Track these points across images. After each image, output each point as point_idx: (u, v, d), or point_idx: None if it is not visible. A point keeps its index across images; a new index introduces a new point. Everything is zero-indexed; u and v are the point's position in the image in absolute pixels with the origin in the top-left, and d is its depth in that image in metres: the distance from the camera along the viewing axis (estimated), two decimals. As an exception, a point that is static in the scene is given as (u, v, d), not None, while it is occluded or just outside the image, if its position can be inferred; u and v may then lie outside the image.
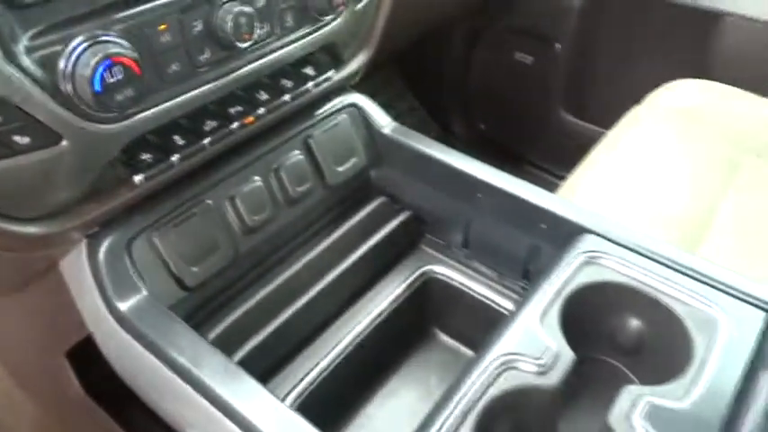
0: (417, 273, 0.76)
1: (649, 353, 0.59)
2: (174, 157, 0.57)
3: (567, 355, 0.52)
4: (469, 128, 1.75)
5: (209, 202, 0.61)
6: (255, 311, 0.65)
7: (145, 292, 0.55)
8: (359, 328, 0.70)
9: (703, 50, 1.31)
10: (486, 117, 1.72)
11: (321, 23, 0.66)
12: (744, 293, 0.56)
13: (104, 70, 0.46)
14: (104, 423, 0.76)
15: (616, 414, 0.47)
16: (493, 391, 0.49)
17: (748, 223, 0.92)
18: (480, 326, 0.70)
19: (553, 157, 1.59)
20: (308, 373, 0.65)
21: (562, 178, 1.04)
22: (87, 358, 0.73)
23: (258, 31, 0.58)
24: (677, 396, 0.48)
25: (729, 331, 0.53)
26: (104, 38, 0.47)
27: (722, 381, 0.49)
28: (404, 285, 0.75)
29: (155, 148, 0.57)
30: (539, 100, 1.60)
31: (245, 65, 0.60)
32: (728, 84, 1.18)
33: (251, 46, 0.58)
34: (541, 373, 0.50)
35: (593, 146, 1.09)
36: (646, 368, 0.60)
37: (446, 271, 0.77)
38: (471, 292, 0.75)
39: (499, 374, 0.50)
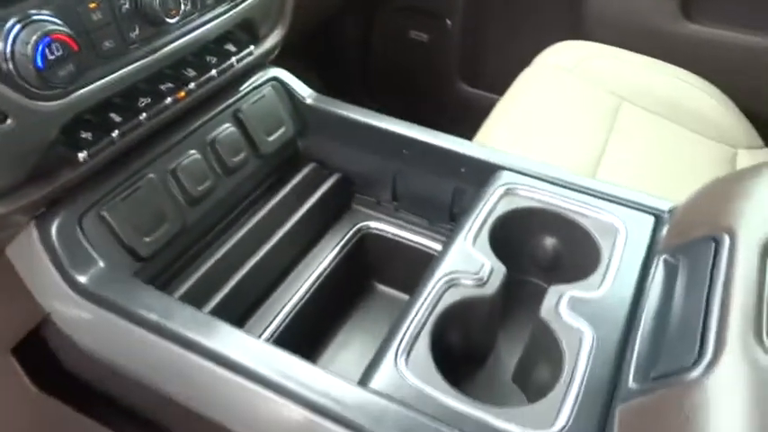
0: (353, 230, 0.82)
1: (565, 266, 0.68)
2: (114, 133, 0.59)
3: (500, 269, 0.59)
4: (373, 107, 1.82)
5: (152, 175, 0.63)
6: (206, 279, 0.68)
7: (102, 264, 0.57)
8: (301, 292, 0.75)
9: (578, 14, 1.45)
10: (388, 95, 1.80)
11: (239, 0, 0.70)
12: (635, 203, 0.66)
13: (44, 47, 0.48)
14: (63, 416, 0.75)
15: (545, 308, 0.56)
16: (441, 306, 0.55)
17: (630, 155, 1.05)
18: (416, 271, 0.77)
19: (456, 126, 1.69)
20: (260, 335, 0.69)
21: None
22: (34, 353, 0.73)
23: (183, 7, 0.61)
24: (593, 287, 0.57)
25: (627, 234, 0.63)
26: (38, 17, 0.49)
27: (626, 272, 0.59)
28: (341, 243, 0.80)
29: (94, 126, 0.58)
30: (437, 74, 1.70)
31: (173, 41, 0.63)
32: (600, 42, 1.33)
33: (178, 22, 0.61)
34: (480, 286, 0.58)
35: (489, 111, 1.19)
36: (564, 281, 0.70)
37: (379, 225, 0.83)
38: (404, 241, 0.81)
39: (445, 291, 0.57)
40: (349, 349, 0.79)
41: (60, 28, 0.49)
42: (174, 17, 0.60)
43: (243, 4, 0.71)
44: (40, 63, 0.48)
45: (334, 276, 0.79)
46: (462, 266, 0.59)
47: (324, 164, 0.84)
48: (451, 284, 0.57)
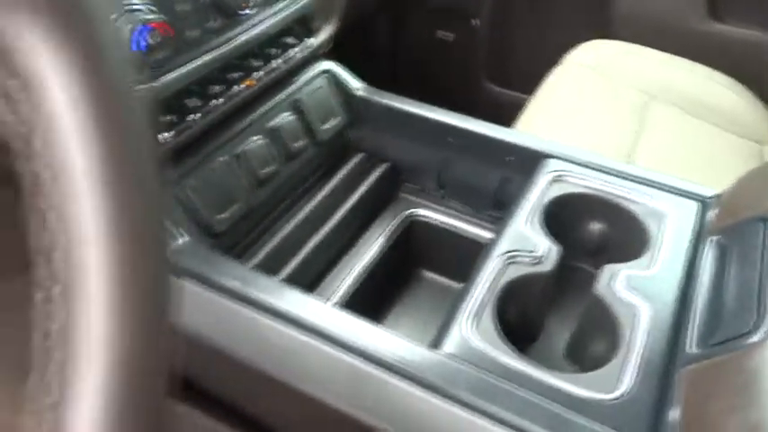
0: (400, 217, 0.85)
1: (611, 250, 0.71)
2: (191, 117, 0.62)
3: (555, 249, 0.63)
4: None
5: (222, 158, 0.67)
6: (268, 259, 0.72)
7: (181, 238, 0.61)
8: (351, 278, 0.78)
9: (606, 14, 1.48)
10: (416, 93, 1.83)
11: (301, -5, 0.74)
12: (679, 189, 0.69)
13: (146, 32, 0.52)
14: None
15: (601, 285, 0.59)
16: (503, 280, 0.59)
17: (659, 151, 1.08)
18: (462, 258, 0.80)
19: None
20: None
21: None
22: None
23: (251, 1, 0.65)
24: (644, 267, 0.61)
25: (674, 218, 0.66)
26: (137, 6, 0.53)
27: (676, 253, 0.62)
28: (389, 230, 0.84)
29: (173, 110, 0.62)
30: (463, 73, 1.74)
31: (244, 32, 0.67)
32: (628, 41, 1.36)
33: (248, 14, 0.65)
34: (538, 263, 0.61)
35: (517, 110, 1.23)
36: (610, 263, 0.73)
37: (426, 213, 0.86)
38: (451, 228, 0.84)
39: (505, 267, 0.60)
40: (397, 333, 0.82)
41: (156, 17, 0.53)
42: (245, 9, 0.64)
43: (303, 2, 0.74)
44: (143, 46, 0.51)
45: (382, 262, 0.82)
46: (520, 245, 0.62)
47: (372, 153, 0.88)
48: (511, 262, 0.61)
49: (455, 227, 0.84)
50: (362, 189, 0.84)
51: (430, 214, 0.86)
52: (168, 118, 0.61)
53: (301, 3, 0.76)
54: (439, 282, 0.88)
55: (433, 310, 0.85)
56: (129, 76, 0.21)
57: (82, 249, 0.19)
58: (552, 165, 0.73)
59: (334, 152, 0.84)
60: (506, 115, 1.26)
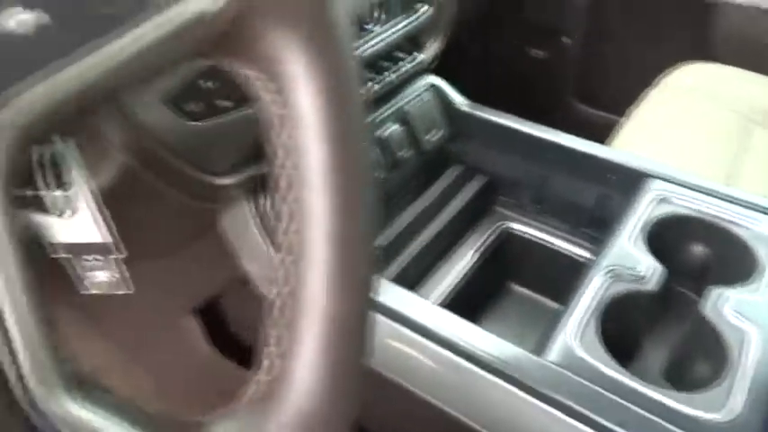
0: (495, 230, 0.87)
1: (715, 273, 0.71)
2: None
3: (659, 269, 0.63)
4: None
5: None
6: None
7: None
8: (443, 286, 0.81)
9: (703, 35, 1.45)
10: (504, 109, 1.85)
11: (417, 12, 0.78)
12: (789, 215, 0.68)
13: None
14: (231, 376, 0.85)
15: (708, 307, 0.59)
16: (608, 295, 0.60)
17: (761, 176, 1.05)
18: (555, 274, 0.81)
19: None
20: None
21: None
22: (211, 315, 0.82)
23: (376, 15, 0.70)
24: (753, 291, 0.60)
25: (784, 244, 0.65)
26: None
27: (786, 279, 0.61)
28: (482, 242, 0.86)
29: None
30: (553, 91, 1.74)
31: (365, 45, 0.71)
32: (727, 63, 1.33)
33: (370, 29, 0.70)
34: (642, 282, 0.62)
35: (606, 131, 1.22)
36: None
37: (520, 227, 0.88)
38: (545, 244, 0.86)
39: (609, 283, 0.61)
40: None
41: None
42: (369, 24, 0.68)
43: (420, 18, 0.78)
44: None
45: (475, 272, 0.84)
46: (623, 263, 0.63)
47: (471, 166, 0.90)
48: (614, 278, 0.62)
49: (550, 242, 0.85)
50: (460, 199, 0.87)
51: (525, 228, 0.87)
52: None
53: (416, 20, 0.80)
54: (529, 296, 0.89)
55: (522, 323, 0.86)
56: (359, 91, 0.25)
57: (313, 229, 0.23)
58: (656, 185, 0.73)
59: (434, 163, 0.88)
60: (595, 135, 1.25)
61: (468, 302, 0.84)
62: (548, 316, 0.84)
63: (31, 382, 0.17)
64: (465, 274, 0.82)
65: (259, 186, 0.67)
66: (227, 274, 0.70)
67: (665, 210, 0.70)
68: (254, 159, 0.64)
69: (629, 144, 1.13)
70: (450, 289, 0.79)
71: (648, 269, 0.63)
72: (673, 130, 1.17)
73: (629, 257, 0.64)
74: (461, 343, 0.56)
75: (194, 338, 0.84)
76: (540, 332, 0.76)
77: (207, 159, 0.58)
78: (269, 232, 0.64)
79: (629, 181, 0.76)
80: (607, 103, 1.66)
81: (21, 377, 0.17)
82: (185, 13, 0.18)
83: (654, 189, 0.72)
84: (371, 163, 0.25)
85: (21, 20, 0.15)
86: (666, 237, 0.69)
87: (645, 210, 0.70)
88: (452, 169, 0.89)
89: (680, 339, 0.64)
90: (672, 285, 0.73)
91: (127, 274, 0.38)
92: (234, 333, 0.82)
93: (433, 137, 0.85)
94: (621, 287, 0.61)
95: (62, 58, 0.15)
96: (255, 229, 0.65)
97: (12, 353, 0.17)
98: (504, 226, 0.88)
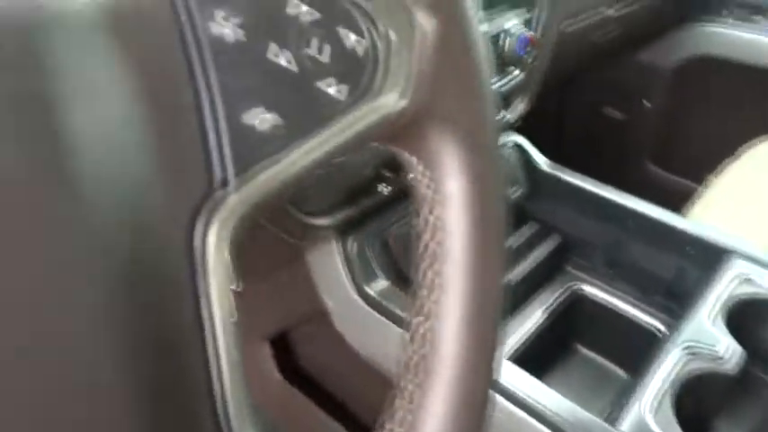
0: (566, 290, 0.88)
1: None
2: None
3: (739, 350, 0.63)
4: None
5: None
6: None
7: (382, 281, 0.69)
8: (512, 341, 0.82)
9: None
10: (577, 168, 1.85)
11: (510, 75, 0.81)
12: None
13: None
14: (300, 405, 0.88)
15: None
16: (684, 372, 0.60)
17: None
18: (625, 340, 0.81)
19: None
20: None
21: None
22: (284, 346, 0.86)
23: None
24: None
25: None
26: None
27: None
28: (552, 301, 0.87)
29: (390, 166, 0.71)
30: (628, 153, 1.73)
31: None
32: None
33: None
34: (721, 362, 0.61)
35: (681, 196, 1.21)
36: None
37: (592, 290, 0.88)
38: (616, 309, 0.85)
39: (686, 359, 0.61)
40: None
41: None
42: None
43: (511, 81, 0.82)
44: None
45: (543, 331, 0.85)
46: (701, 340, 0.63)
47: (545, 224, 0.92)
48: (692, 355, 0.61)
49: (622, 309, 0.85)
50: (533, 257, 0.88)
51: (596, 291, 0.88)
52: (385, 173, 0.69)
53: (507, 83, 0.83)
54: (597, 360, 0.88)
55: (587, 386, 0.85)
56: (503, 183, 0.28)
57: (451, 304, 0.26)
58: (738, 263, 0.73)
59: (510, 219, 0.90)
60: (669, 199, 1.25)
61: (535, 360, 0.84)
62: (613, 383, 0.84)
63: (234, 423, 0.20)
64: (533, 332, 0.83)
65: (349, 227, 0.70)
66: (305, 307, 0.74)
67: (747, 290, 0.70)
68: (348, 202, 0.68)
69: (708, 215, 1.12)
70: (518, 345, 0.80)
71: (728, 350, 0.62)
72: (753, 205, 1.15)
73: (707, 335, 0.64)
74: (529, 400, 0.57)
75: (267, 365, 0.87)
76: (605, 398, 0.76)
77: (306, 200, 0.62)
78: (352, 272, 0.67)
79: (710, 255, 0.75)
80: (683, 168, 1.64)
81: (228, 418, 0.20)
82: (373, 116, 0.22)
83: (736, 267, 0.72)
84: (506, 250, 0.28)
85: (263, 119, 0.18)
86: (747, 318, 0.68)
87: (726, 288, 0.70)
88: (528, 227, 0.91)
89: (756, 425, 0.63)
90: (750, 369, 0.72)
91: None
92: (301, 366, 0.85)
93: (513, 194, 0.87)
94: (699, 365, 0.61)
95: (284, 151, 0.19)
96: (341, 267, 0.68)
97: (223, 396, 0.20)
98: (575, 287, 0.88)
